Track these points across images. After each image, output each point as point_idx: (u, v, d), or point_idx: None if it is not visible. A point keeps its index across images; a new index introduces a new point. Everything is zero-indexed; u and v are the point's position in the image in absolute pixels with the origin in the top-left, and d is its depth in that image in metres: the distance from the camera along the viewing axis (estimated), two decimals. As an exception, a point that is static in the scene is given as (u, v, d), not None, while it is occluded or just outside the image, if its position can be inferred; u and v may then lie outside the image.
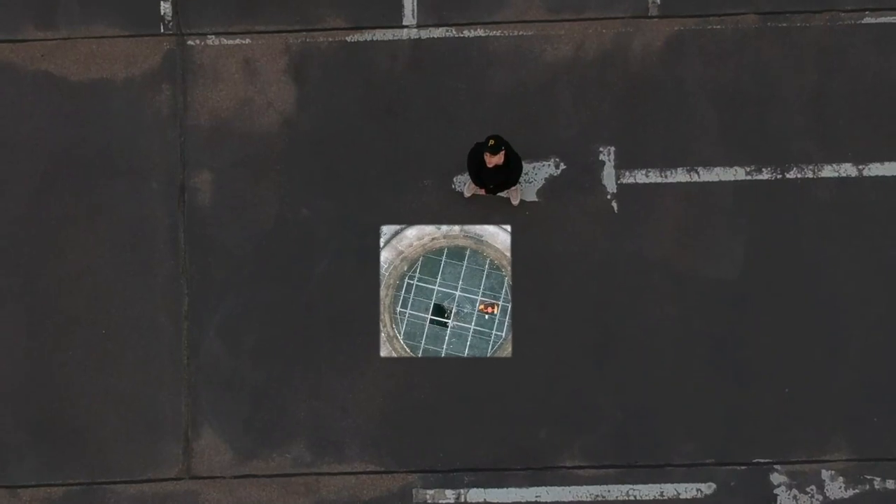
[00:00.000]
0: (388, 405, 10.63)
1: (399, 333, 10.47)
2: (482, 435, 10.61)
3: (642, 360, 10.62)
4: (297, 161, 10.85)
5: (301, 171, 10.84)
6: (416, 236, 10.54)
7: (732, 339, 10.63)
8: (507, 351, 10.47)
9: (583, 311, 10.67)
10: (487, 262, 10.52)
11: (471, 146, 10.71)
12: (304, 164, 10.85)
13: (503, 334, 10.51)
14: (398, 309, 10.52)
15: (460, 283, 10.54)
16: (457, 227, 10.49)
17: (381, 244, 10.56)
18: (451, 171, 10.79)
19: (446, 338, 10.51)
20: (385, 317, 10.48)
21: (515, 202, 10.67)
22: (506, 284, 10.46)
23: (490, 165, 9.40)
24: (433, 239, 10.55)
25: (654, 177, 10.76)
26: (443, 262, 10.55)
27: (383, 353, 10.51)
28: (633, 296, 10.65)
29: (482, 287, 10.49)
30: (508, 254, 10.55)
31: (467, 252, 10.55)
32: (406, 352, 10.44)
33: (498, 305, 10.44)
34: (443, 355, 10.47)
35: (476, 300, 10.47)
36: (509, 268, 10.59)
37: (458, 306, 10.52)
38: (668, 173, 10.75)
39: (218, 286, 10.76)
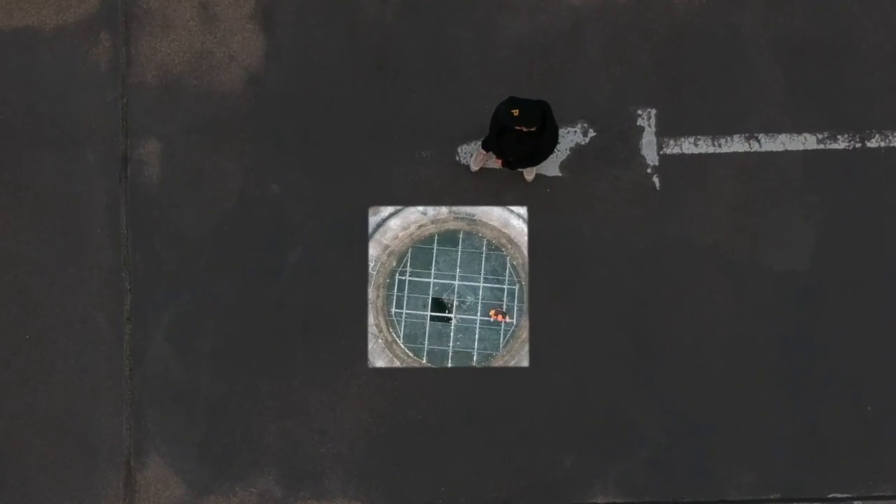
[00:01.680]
0: (377, 426, 10.53)
1: (398, 337, 10.59)
2: (493, 463, 10.50)
3: (690, 370, 10.54)
4: (266, 127, 10.75)
5: (270, 138, 10.74)
6: (401, 226, 10.62)
7: (801, 345, 10.53)
8: (522, 338, 10.47)
9: (617, 310, 10.56)
10: (485, 243, 10.62)
11: (479, 108, 10.71)
12: (274, 130, 10.75)
13: (515, 321, 10.54)
14: (392, 310, 10.60)
15: (458, 270, 10.61)
16: (444, 209, 10.61)
17: (370, 229, 10.61)
18: (454, 139, 10.65)
19: (451, 334, 10.62)
20: (380, 320, 10.56)
21: (530, 178, 10.51)
22: (509, 264, 10.58)
23: (519, 127, 9.29)
24: (420, 226, 10.62)
25: (704, 146, 10.70)
26: (435, 251, 10.62)
27: (379, 362, 10.50)
28: (680, 291, 10.55)
29: (483, 271, 10.60)
30: (508, 232, 10.53)
31: (460, 235, 10.65)
32: (409, 356, 10.56)
33: (505, 314, 10.59)
34: (450, 354, 10.54)
35: (478, 287, 10.60)
36: (523, 262, 10.50)
37: (459, 297, 10.60)
38: (722, 142, 10.67)
39: (167, 280, 10.66)
